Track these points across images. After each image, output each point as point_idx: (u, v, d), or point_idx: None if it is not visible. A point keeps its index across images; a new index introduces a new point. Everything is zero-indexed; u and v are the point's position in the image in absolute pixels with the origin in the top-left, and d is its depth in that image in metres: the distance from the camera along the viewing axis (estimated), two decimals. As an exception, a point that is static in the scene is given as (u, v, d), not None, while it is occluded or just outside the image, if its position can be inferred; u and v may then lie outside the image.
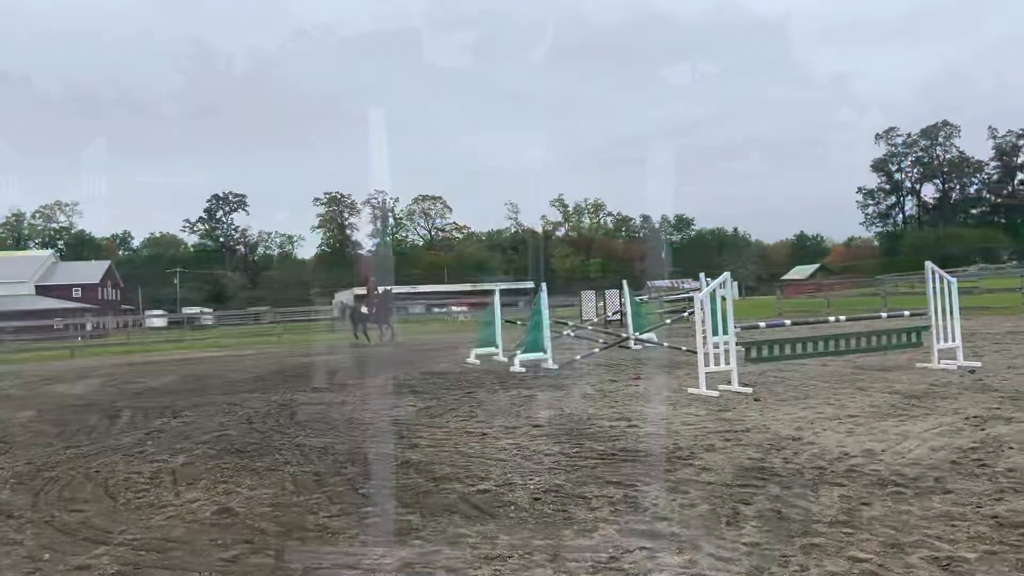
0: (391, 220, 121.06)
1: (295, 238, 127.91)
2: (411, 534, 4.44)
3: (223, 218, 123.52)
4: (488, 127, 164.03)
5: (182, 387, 13.86)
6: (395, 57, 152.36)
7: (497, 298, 15.93)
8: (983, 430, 6.42)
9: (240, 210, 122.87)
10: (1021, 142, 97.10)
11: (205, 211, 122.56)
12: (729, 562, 3.75)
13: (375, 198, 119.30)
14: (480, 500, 5.08)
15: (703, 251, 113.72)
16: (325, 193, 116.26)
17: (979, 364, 10.64)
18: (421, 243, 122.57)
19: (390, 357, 18.59)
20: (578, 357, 13.93)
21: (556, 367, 13.16)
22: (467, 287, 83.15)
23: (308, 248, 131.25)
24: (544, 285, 14.23)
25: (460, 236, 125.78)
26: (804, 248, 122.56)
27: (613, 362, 13.89)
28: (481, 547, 4.15)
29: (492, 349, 15.50)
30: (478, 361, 15.14)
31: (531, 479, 5.56)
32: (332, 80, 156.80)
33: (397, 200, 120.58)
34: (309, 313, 53.38)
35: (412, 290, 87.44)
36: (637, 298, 23.13)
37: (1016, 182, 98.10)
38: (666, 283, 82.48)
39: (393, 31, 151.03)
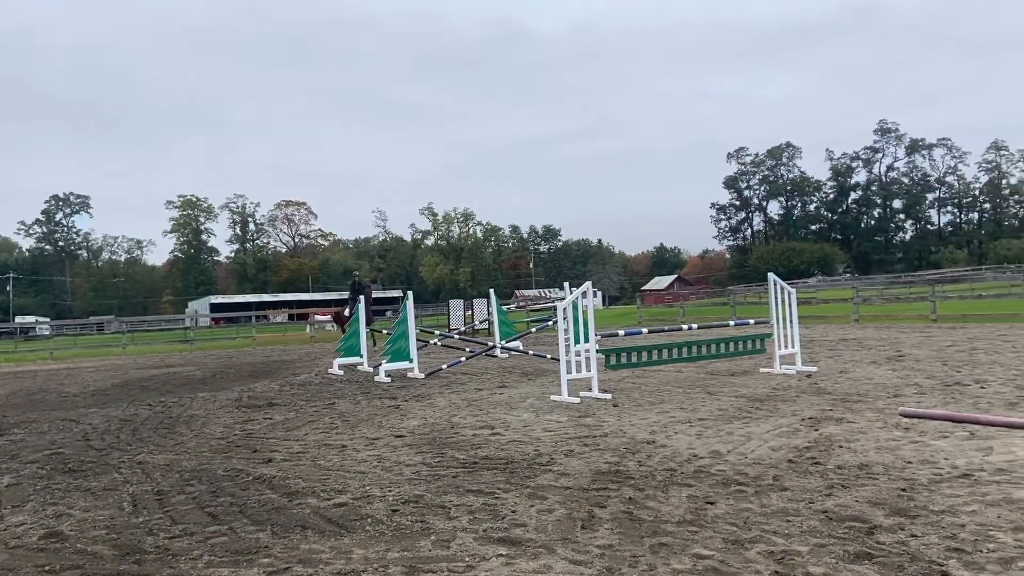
0: (251, 225, 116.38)
1: (144, 243, 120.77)
2: (260, 553, 4.24)
3: (63, 221, 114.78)
4: (356, 134, 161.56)
5: (9, 403, 12.70)
6: (255, 59, 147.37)
7: (363, 307, 15.63)
8: (817, 430, 6.89)
9: (83, 212, 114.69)
10: (854, 164, 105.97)
11: (43, 212, 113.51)
12: (582, 564, 3.81)
13: (234, 202, 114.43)
14: (336, 514, 4.93)
15: (569, 261, 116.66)
16: (179, 196, 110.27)
17: (815, 369, 11.44)
18: (284, 250, 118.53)
19: (247, 368, 17.82)
20: (444, 366, 13.89)
21: (422, 376, 13.06)
22: (332, 296, 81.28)
23: (159, 254, 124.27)
24: (411, 294, 14.10)
25: (326, 243, 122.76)
26: (664, 259, 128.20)
27: (479, 371, 13.94)
28: (334, 563, 4.02)
29: (357, 359, 15.19)
30: (341, 371, 14.79)
31: (390, 491, 5.46)
32: (187, 79, 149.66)
33: (258, 205, 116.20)
34: (160, 322, 50.39)
35: (274, 298, 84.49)
36: (504, 307, 23.34)
37: (850, 201, 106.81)
38: (534, 292, 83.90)
39: (254, 32, 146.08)
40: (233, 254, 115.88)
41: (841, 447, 6.17)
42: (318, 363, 17.65)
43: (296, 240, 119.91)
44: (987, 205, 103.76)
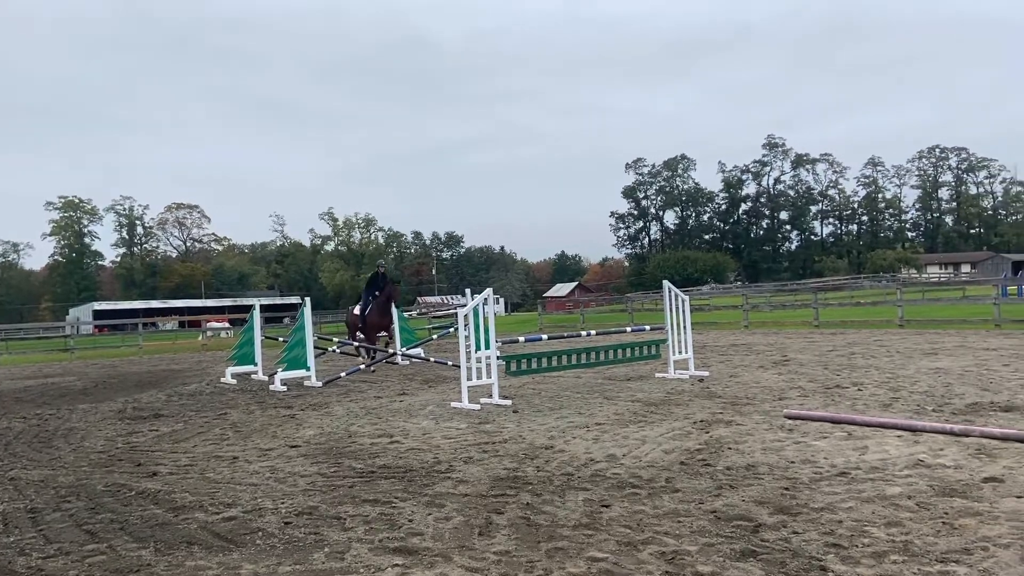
0: (140, 229, 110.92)
1: (21, 246, 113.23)
2: (141, 571, 4.03)
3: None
4: (250, 137, 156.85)
5: None
6: (141, 57, 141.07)
7: (256, 313, 15.16)
8: (708, 433, 7.14)
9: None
10: (744, 177, 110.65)
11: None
12: (479, 572, 3.80)
13: (120, 204, 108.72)
14: (225, 528, 4.74)
15: (472, 268, 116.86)
16: (60, 197, 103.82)
17: (707, 373, 11.86)
18: (175, 254, 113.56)
19: (133, 378, 16.96)
20: (343, 374, 13.63)
21: (319, 384, 12.76)
22: (227, 302, 78.51)
23: (38, 258, 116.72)
24: (308, 300, 13.77)
25: (220, 248, 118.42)
26: (565, 267, 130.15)
27: (379, 378, 13.75)
28: (222, 579, 3.87)
29: (251, 367, 14.70)
30: (234, 380, 14.28)
31: (283, 503, 5.30)
32: (68, 76, 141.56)
33: (147, 208, 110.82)
34: (37, 330, 47.38)
35: (163, 305, 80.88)
36: (406, 314, 23.12)
37: (740, 212, 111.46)
38: (436, 299, 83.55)
39: (137, 29, 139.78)
40: (119, 258, 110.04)
41: (730, 449, 6.41)
42: (210, 372, 16.99)
43: (188, 244, 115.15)
44: (865, 217, 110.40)
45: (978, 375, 10.21)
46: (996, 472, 5.23)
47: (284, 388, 12.51)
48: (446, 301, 68.23)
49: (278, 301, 76.32)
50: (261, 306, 16.73)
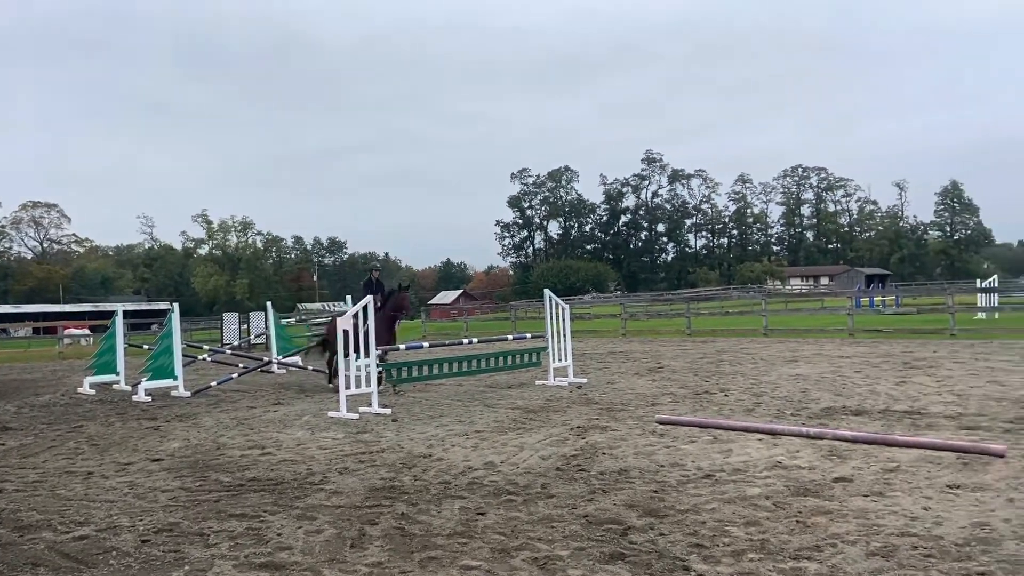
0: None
1: None
2: (-25, 600, 3.70)
3: None
4: (119, 134, 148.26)
5: None
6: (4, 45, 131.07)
7: (119, 320, 14.29)
8: (584, 439, 7.28)
9: None
10: (624, 190, 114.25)
11: None
12: (349, 586, 3.72)
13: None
14: (75, 548, 4.43)
15: (355, 274, 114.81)
16: None
17: (586, 380, 12.11)
18: (30, 256, 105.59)
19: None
20: (214, 383, 13.04)
21: (188, 394, 12.17)
22: (88, 307, 73.73)
23: None
24: (176, 306, 13.11)
25: (81, 250, 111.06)
26: (450, 274, 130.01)
27: (253, 388, 13.25)
28: (69, 605, 3.60)
29: (112, 376, 13.84)
30: (93, 391, 13.40)
31: (141, 520, 5.00)
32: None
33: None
34: None
35: (15, 310, 75.05)
36: (284, 321, 22.43)
37: (620, 224, 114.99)
38: (317, 306, 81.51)
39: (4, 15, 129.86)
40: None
41: (604, 454, 6.56)
42: (66, 382, 15.87)
43: (45, 245, 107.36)
44: (735, 231, 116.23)
45: (832, 381, 10.91)
46: (846, 472, 5.60)
47: (148, 398, 11.85)
48: (326, 308, 66.68)
49: (145, 307, 72.19)
50: (125, 312, 15.79)
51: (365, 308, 10.71)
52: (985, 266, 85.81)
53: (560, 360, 12.09)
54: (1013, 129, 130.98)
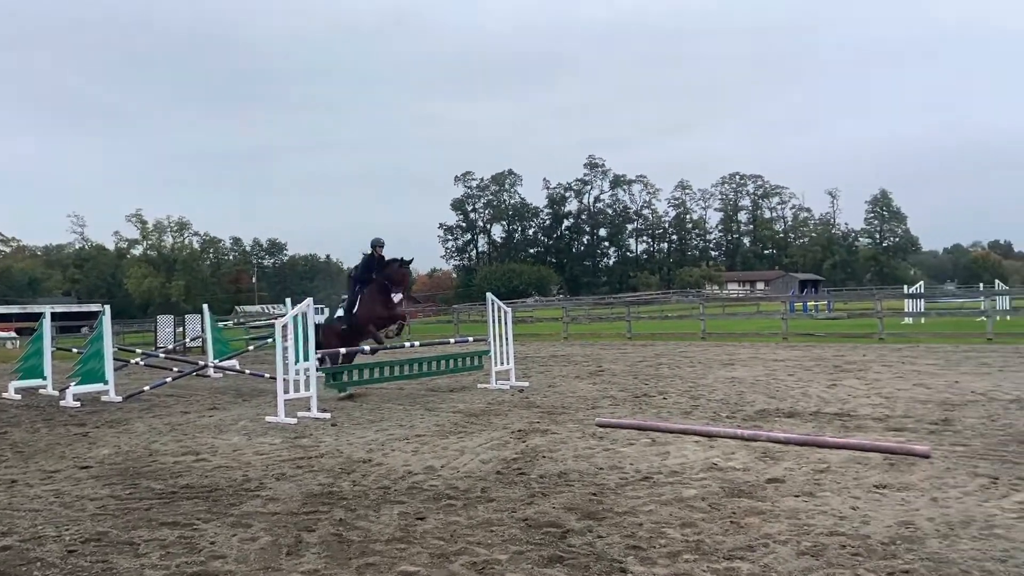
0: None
1: None
2: None
3: None
4: (47, 130, 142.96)
5: None
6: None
7: (47, 322, 13.78)
8: (524, 442, 7.31)
9: None
10: (567, 194, 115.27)
11: None
12: (285, 594, 3.66)
13: None
14: (-5, 562, 4.25)
15: (296, 277, 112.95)
16: None
17: (528, 384, 12.16)
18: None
19: None
20: (147, 388, 12.67)
21: (119, 399, 11.79)
22: (14, 309, 70.80)
23: None
24: (108, 308, 12.70)
25: (7, 249, 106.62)
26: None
27: (188, 392, 12.92)
28: (-13, 620, 3.46)
29: (39, 381, 13.34)
30: (19, 396, 12.88)
31: (68, 529, 4.83)
32: None
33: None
34: None
35: (-66, 311, 71.62)
36: (221, 324, 21.93)
37: (563, 228, 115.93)
38: (256, 308, 79.90)
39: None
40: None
41: (544, 457, 6.60)
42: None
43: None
44: (675, 237, 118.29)
45: (767, 384, 11.19)
46: (778, 473, 5.75)
47: (77, 404, 11.44)
48: (266, 311, 65.41)
49: (75, 309, 69.66)
50: (54, 314, 15.26)
51: (352, 303, 10.16)
52: (912, 272, 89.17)
53: (502, 364, 12.11)
54: (940, 140, 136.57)
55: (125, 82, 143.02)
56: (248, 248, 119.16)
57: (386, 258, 11.92)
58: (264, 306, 79.49)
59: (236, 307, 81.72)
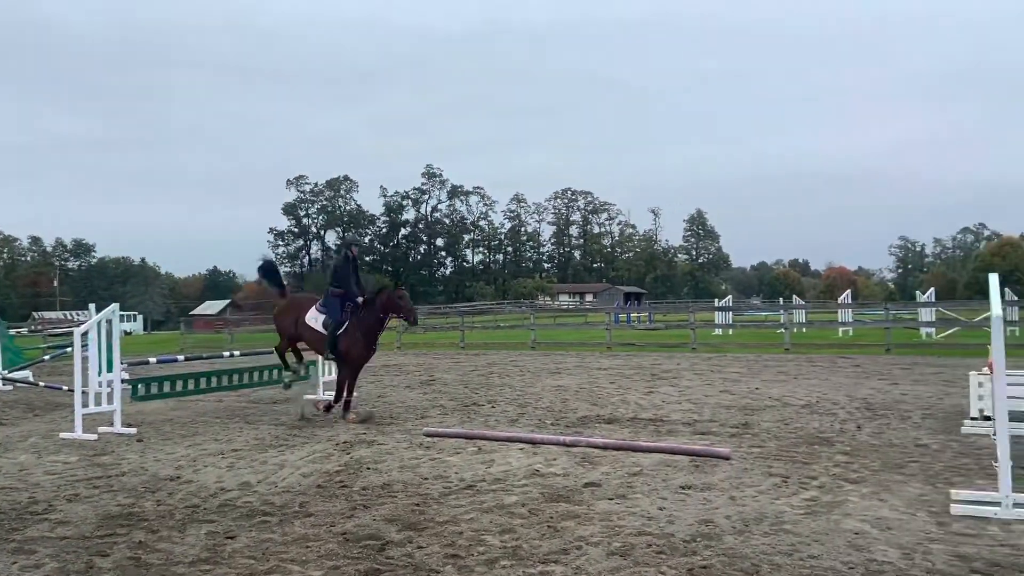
0: None
1: None
2: None
3: None
4: None
5: None
6: None
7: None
8: (349, 454, 7.13)
9: None
10: (405, 203, 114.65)
11: None
12: (68, 628, 3.32)
13: None
14: None
15: (106, 281, 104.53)
16: None
17: (357, 394, 11.86)
18: None
19: None
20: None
21: None
22: None
23: None
24: None
25: None
26: (217, 283, 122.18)
27: (-32, 406, 11.54)
28: None
29: None
30: None
31: None
32: None
33: None
34: None
35: None
36: (15, 330, 19.85)
37: (400, 236, 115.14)
38: (57, 314, 73.01)
39: None
40: None
41: (369, 469, 6.47)
42: None
43: None
44: (510, 248, 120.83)
45: (590, 392, 11.63)
46: (595, 477, 5.97)
47: None
48: (68, 317, 59.93)
49: None
50: None
51: (338, 322, 8.70)
52: (723, 287, 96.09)
53: (330, 374, 11.76)
54: (750, 167, 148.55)
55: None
56: (49, 248, 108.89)
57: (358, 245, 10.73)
58: (66, 312, 72.85)
59: (34, 313, 74.36)
